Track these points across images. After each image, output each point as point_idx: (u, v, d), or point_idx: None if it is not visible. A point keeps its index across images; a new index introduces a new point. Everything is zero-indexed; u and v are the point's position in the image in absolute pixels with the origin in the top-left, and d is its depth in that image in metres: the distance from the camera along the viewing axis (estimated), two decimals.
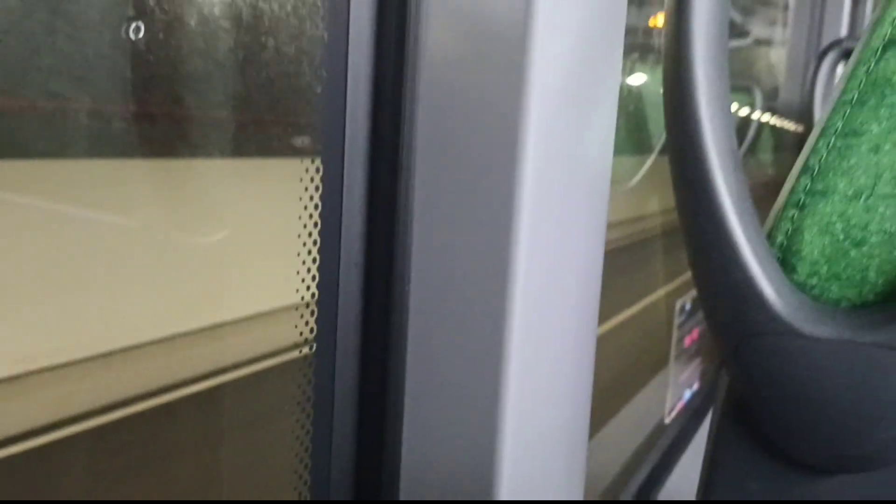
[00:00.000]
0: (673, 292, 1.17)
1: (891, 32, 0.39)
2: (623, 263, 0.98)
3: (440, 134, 0.43)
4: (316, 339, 0.45)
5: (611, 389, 0.97)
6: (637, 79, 1.07)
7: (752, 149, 1.77)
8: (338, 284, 0.45)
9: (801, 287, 0.41)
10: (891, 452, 0.41)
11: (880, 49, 0.39)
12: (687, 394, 1.28)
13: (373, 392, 0.47)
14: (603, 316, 0.53)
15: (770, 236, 0.44)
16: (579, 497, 0.52)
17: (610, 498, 0.95)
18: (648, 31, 1.09)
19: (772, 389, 0.41)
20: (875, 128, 0.39)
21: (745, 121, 1.68)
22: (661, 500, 1.04)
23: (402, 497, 0.46)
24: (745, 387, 0.43)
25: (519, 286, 0.42)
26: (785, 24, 2.09)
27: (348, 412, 0.47)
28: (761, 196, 0.42)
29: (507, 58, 0.41)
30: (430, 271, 0.44)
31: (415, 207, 0.44)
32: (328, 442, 0.46)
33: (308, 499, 0.46)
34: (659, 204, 1.17)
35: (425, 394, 0.44)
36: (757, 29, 1.92)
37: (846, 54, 1.56)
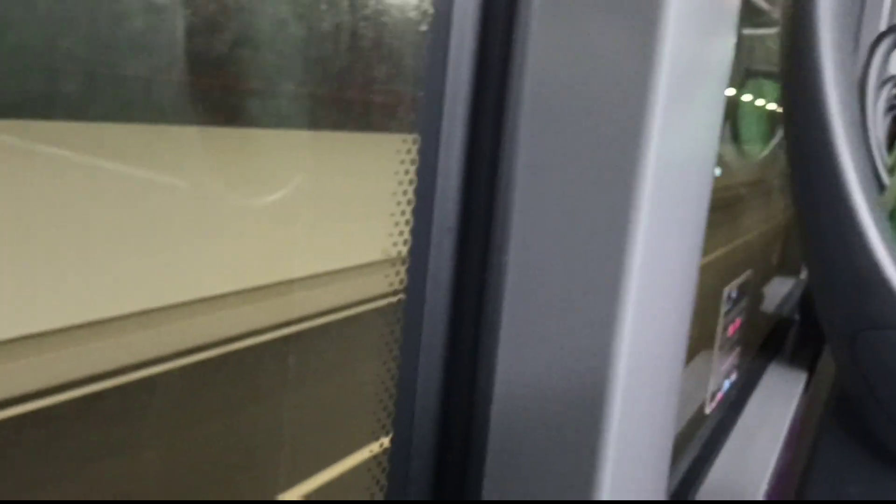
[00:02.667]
0: (721, 278, 1.13)
1: None
2: None
3: (548, 113, 0.39)
4: (406, 291, 0.42)
5: None
6: None
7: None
8: (429, 245, 0.42)
9: None
10: None
11: None
12: (726, 384, 1.25)
13: (465, 343, 0.44)
14: None
15: (892, 217, 0.41)
16: (662, 497, 0.48)
17: None
18: None
19: (891, 386, 0.38)
20: None
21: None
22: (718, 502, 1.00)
23: (491, 453, 0.43)
24: (857, 382, 0.40)
25: (627, 272, 0.38)
26: None
27: (434, 362, 0.44)
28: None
29: (628, 39, 0.37)
30: (532, 244, 0.40)
31: (517, 186, 0.40)
32: (413, 385, 0.43)
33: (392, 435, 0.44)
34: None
35: (518, 364, 0.41)
36: None
37: None
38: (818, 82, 0.37)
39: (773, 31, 1.69)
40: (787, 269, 1.93)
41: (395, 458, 0.44)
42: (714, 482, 1.03)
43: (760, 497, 0.99)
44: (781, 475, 1.04)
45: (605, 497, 0.39)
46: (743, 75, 1.46)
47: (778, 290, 1.87)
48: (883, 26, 2.10)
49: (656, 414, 0.44)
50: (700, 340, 1.08)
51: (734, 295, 1.18)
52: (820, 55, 0.37)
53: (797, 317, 1.93)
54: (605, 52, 0.38)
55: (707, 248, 1.09)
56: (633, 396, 0.40)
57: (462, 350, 0.44)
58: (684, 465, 1.02)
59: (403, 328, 0.43)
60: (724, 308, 1.12)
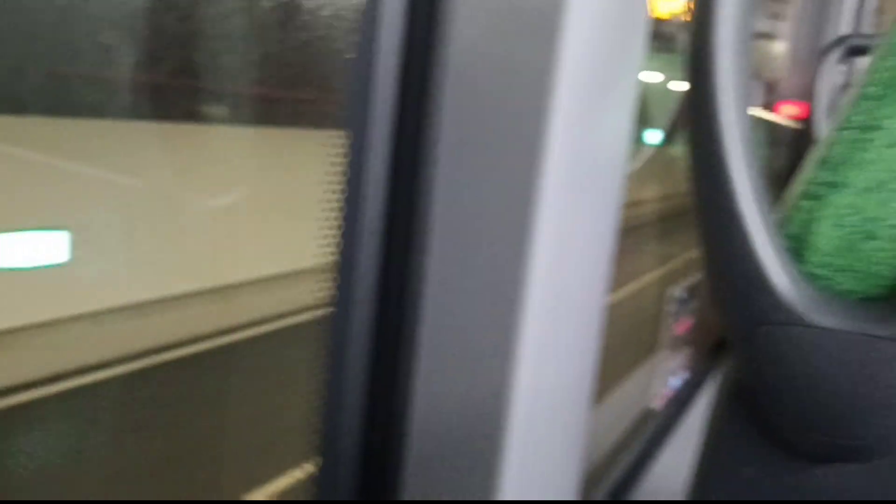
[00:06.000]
0: (664, 280, 1.16)
1: None
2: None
3: (467, 110, 0.42)
4: (333, 300, 0.44)
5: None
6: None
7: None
8: (356, 250, 0.44)
9: (812, 278, 0.41)
10: (886, 443, 0.42)
11: None
12: (674, 382, 1.28)
13: (386, 354, 0.46)
14: None
15: (784, 226, 0.44)
16: (573, 497, 0.52)
17: (597, 481, 0.95)
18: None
19: (778, 377, 0.41)
20: (894, 124, 0.39)
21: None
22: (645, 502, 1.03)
23: (409, 462, 0.46)
24: (751, 373, 0.43)
25: (533, 275, 0.41)
26: (785, 19, 2.09)
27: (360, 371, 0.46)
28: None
29: (537, 37, 0.40)
30: (449, 246, 0.43)
31: (437, 183, 0.42)
32: (339, 397, 0.45)
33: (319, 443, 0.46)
34: (653, 191, 1.16)
35: (438, 361, 0.44)
36: (758, 23, 1.92)
37: (852, 51, 1.55)
38: (713, 95, 0.40)
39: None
40: None
41: (323, 475, 0.47)
42: (656, 477, 1.07)
43: None
44: None
45: (507, 497, 0.43)
46: None
47: None
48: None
49: (562, 417, 0.47)
50: (650, 339, 1.11)
51: (682, 296, 1.21)
52: (715, 57, 0.40)
53: None
54: (513, 53, 0.41)
55: (653, 259, 1.12)
56: (536, 401, 0.43)
57: (384, 364, 0.47)
58: (627, 459, 1.05)
59: (329, 346, 0.45)
60: (669, 308, 1.16)
